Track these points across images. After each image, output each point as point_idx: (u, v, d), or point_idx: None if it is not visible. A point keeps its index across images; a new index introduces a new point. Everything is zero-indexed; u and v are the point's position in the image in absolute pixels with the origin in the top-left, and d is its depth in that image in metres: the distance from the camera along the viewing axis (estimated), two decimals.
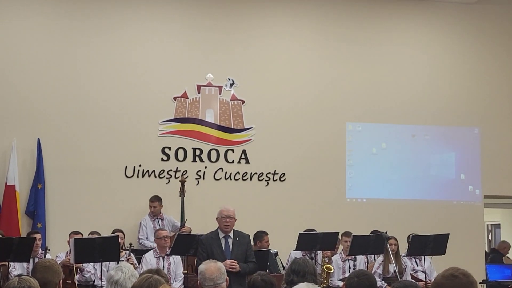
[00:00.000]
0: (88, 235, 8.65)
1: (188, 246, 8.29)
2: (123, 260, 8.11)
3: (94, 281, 8.48)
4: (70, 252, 8.51)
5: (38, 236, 8.32)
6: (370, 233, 9.34)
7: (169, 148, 10.73)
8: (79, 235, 8.47)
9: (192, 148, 10.81)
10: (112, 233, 8.68)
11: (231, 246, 6.96)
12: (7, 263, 7.77)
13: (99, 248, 7.63)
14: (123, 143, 10.53)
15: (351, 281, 4.25)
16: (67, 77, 10.48)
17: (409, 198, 11.46)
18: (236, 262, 6.80)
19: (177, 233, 8.97)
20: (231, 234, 7.00)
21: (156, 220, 10.04)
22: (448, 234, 9.07)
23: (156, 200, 10.06)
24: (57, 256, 8.55)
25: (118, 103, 10.59)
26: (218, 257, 6.73)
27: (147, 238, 9.88)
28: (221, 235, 7.00)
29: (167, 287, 2.98)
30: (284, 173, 11.05)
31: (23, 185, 10.03)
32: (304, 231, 9.08)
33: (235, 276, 6.61)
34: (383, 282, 8.85)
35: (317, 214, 10.75)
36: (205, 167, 10.82)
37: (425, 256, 9.08)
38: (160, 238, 8.58)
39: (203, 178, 10.79)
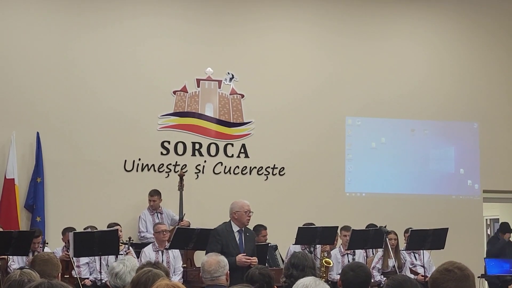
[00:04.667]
0: (83, 229, 8.64)
1: (187, 240, 8.28)
2: (122, 254, 8.12)
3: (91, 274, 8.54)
4: (65, 248, 8.54)
5: (37, 240, 8.26)
6: (366, 226, 9.35)
7: (169, 142, 10.72)
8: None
9: (192, 142, 10.80)
10: (107, 227, 8.68)
11: (244, 241, 7.00)
12: (6, 257, 7.77)
13: (98, 242, 7.64)
14: (122, 137, 10.52)
15: (347, 275, 4.25)
16: (66, 71, 10.46)
17: (408, 192, 11.46)
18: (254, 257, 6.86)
19: (176, 227, 8.97)
20: (242, 229, 7.02)
21: (155, 214, 10.05)
22: (447, 228, 9.08)
23: (155, 194, 10.06)
24: (53, 252, 8.54)
25: (117, 97, 10.57)
26: (233, 250, 6.75)
27: (147, 231, 9.88)
28: (235, 228, 7.00)
29: (165, 281, 2.97)
30: (283, 167, 11.04)
31: (22, 179, 10.02)
32: (303, 225, 9.09)
33: (237, 271, 6.62)
34: (383, 276, 8.86)
35: (316, 208, 10.75)
36: (205, 161, 10.82)
37: (424, 250, 9.09)
38: (158, 232, 8.58)
39: (203, 172, 10.79)
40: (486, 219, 13.71)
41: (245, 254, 6.83)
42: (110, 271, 4.50)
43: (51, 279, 2.37)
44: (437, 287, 3.11)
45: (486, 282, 10.77)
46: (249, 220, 7.04)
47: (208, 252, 6.77)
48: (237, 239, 6.96)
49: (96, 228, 8.49)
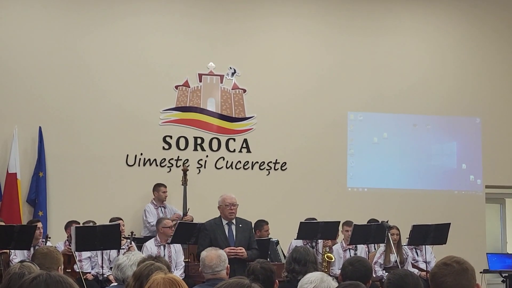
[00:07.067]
0: (83, 224, 8.65)
1: (189, 234, 8.30)
2: (124, 249, 8.13)
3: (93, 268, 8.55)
4: (67, 241, 8.55)
5: (39, 224, 8.32)
6: (368, 221, 9.34)
7: (171, 137, 10.72)
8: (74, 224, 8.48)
9: (194, 137, 10.80)
10: (109, 222, 8.68)
11: (234, 233, 7.01)
12: (8, 251, 7.78)
13: (100, 236, 7.65)
14: (124, 131, 10.52)
15: (346, 270, 4.26)
16: (68, 66, 10.46)
17: (410, 187, 11.45)
18: (243, 248, 6.83)
19: (178, 221, 8.99)
20: (234, 221, 7.03)
21: (159, 208, 10.04)
22: (449, 223, 9.08)
23: (165, 186, 10.08)
24: (55, 246, 8.55)
25: (119, 92, 10.57)
26: (222, 244, 6.74)
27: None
28: (224, 221, 7.04)
29: (161, 274, 2.97)
30: (285, 162, 11.04)
31: (24, 173, 10.03)
32: (305, 220, 9.08)
33: (236, 264, 6.61)
34: (384, 271, 8.86)
35: (318, 203, 10.75)
36: (207, 156, 10.82)
37: (426, 246, 9.08)
38: (167, 227, 8.62)
39: (204, 167, 10.79)
40: None
41: (237, 246, 6.84)
42: (115, 262, 4.57)
43: (50, 271, 2.37)
44: (436, 281, 3.11)
45: None
46: (232, 213, 7.01)
47: (199, 247, 6.83)
48: (226, 232, 6.97)
49: (95, 223, 8.50)
